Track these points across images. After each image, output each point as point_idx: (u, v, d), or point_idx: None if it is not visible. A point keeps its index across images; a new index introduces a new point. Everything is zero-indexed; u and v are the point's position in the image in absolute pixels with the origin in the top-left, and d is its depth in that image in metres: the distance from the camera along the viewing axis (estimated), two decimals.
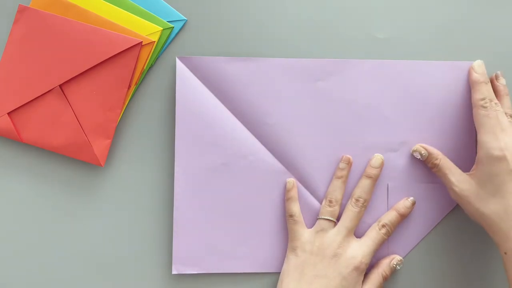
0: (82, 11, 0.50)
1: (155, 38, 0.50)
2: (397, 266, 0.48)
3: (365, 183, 0.48)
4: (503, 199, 0.43)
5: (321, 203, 0.50)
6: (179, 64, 0.50)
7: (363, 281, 0.47)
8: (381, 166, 0.49)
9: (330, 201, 0.48)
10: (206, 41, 0.51)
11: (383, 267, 0.48)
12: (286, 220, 0.49)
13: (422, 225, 0.50)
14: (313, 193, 0.50)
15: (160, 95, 0.51)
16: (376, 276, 0.47)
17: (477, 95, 0.47)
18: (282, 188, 0.50)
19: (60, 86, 0.50)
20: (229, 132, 0.50)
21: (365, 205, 0.48)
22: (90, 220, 0.51)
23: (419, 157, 0.48)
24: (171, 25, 0.51)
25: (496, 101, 0.46)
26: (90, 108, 0.49)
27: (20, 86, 0.50)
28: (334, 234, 0.47)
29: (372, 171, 0.48)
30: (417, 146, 0.49)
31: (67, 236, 0.51)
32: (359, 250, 0.46)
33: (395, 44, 0.51)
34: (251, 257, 0.49)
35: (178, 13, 0.51)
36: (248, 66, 0.50)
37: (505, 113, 0.46)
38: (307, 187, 0.50)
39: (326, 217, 0.48)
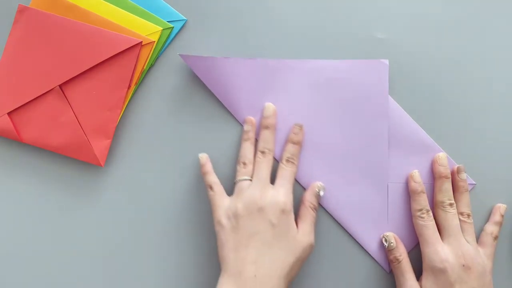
0: (82, 11, 0.50)
1: (155, 38, 0.50)
2: (320, 192, 0.48)
3: (264, 133, 0.48)
4: None
5: (322, 205, 0.50)
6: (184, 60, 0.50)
7: (297, 221, 0.47)
8: (274, 113, 0.49)
9: (244, 163, 0.48)
10: (206, 41, 0.51)
11: (308, 199, 0.48)
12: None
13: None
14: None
15: (160, 95, 0.51)
16: (305, 211, 0.47)
17: (414, 205, 0.48)
18: None
19: (60, 86, 0.50)
20: None
21: (271, 153, 0.48)
22: (90, 220, 0.51)
23: (385, 244, 0.48)
24: (171, 25, 0.51)
25: (452, 201, 0.47)
26: (90, 108, 0.49)
27: (20, 86, 0.50)
28: (252, 189, 0.46)
29: (267, 121, 0.49)
30: (390, 234, 0.49)
31: (67, 236, 0.51)
32: (277, 193, 0.46)
33: (395, 44, 0.51)
34: None
35: (178, 13, 0.51)
36: (248, 66, 0.50)
37: (462, 212, 0.47)
38: (307, 186, 0.50)
39: (242, 178, 0.47)
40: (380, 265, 0.50)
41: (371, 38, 0.51)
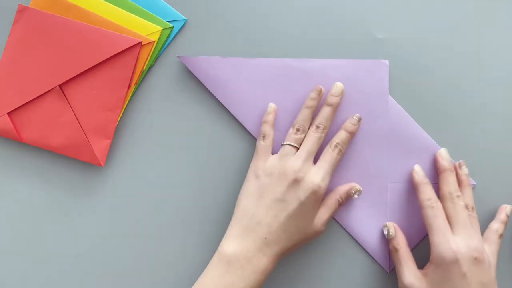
0: (82, 11, 0.50)
1: (155, 38, 0.50)
2: (355, 195, 0.49)
3: (325, 110, 0.48)
4: None
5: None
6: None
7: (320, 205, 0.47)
8: (341, 94, 0.49)
9: (298, 129, 0.48)
10: (206, 41, 0.51)
11: (341, 193, 0.48)
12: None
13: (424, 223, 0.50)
14: None
15: (160, 95, 0.51)
16: (333, 201, 0.48)
17: (422, 196, 0.47)
18: None
19: (60, 86, 0.50)
20: None
21: (325, 131, 0.48)
22: (90, 220, 0.51)
23: (385, 233, 0.49)
24: (171, 25, 0.51)
25: (459, 193, 0.47)
26: (90, 108, 0.49)
27: (20, 86, 0.50)
28: (295, 159, 0.46)
29: (333, 100, 0.48)
30: (389, 224, 0.49)
31: (67, 236, 0.51)
32: (316, 174, 0.46)
33: (395, 44, 0.51)
34: None
35: (178, 13, 0.51)
36: (248, 66, 0.50)
37: (467, 205, 0.47)
38: None
39: (291, 143, 0.47)
40: (380, 265, 0.50)
41: (371, 38, 0.51)
